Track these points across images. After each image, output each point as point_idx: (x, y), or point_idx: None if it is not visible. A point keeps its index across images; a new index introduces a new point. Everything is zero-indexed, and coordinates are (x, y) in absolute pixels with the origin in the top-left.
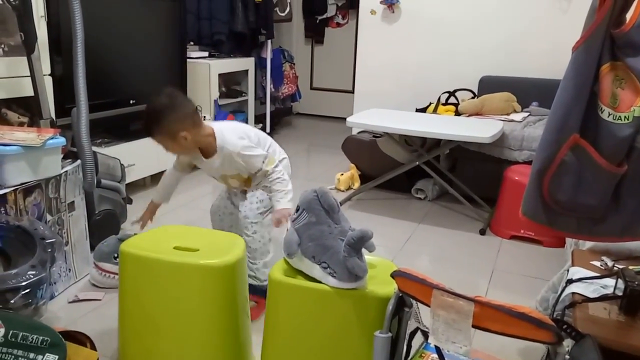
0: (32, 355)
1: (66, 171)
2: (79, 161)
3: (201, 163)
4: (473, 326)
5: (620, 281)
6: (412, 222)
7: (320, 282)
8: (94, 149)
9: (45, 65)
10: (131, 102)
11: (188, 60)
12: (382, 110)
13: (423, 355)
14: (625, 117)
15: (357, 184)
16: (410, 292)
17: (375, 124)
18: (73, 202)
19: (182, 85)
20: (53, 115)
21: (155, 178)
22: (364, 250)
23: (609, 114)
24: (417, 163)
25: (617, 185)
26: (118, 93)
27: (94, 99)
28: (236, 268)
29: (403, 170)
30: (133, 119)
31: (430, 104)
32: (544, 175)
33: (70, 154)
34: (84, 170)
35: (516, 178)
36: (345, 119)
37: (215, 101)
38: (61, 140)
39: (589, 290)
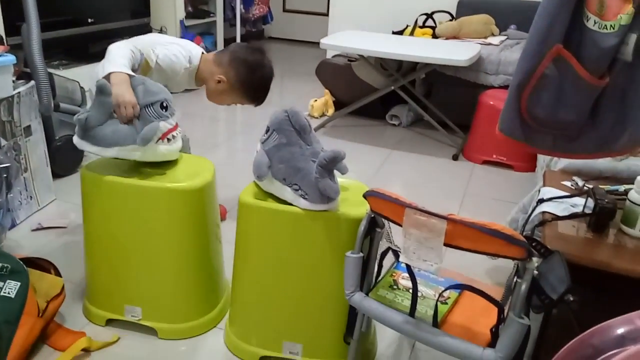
0: None
1: (19, 92)
2: (32, 82)
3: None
4: (445, 244)
5: (589, 200)
6: (385, 149)
7: (291, 204)
8: (51, 71)
9: None
10: (89, 20)
11: None
12: (358, 32)
13: (394, 274)
14: (611, 25)
15: (331, 111)
16: (382, 212)
17: (350, 46)
18: (29, 126)
19: (145, 4)
20: (2, 33)
21: None
22: (336, 173)
23: (595, 22)
24: (393, 88)
25: (595, 101)
26: (74, 10)
27: (48, 16)
28: (205, 192)
29: (378, 96)
30: (93, 40)
31: (407, 26)
32: (523, 89)
33: (23, 75)
34: (38, 92)
35: (491, 102)
36: (319, 43)
37: (181, 22)
38: (10, 58)
39: (559, 209)
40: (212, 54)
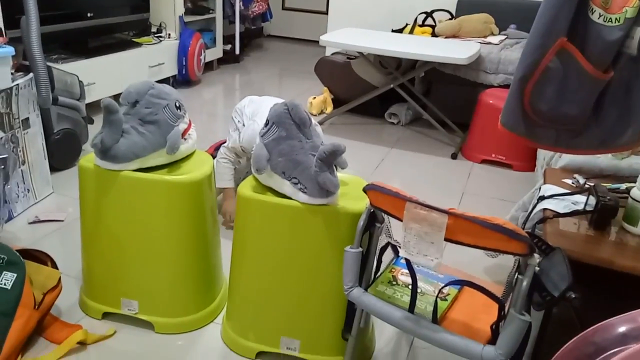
0: None
1: (17, 84)
2: (31, 74)
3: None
4: (445, 239)
5: (591, 197)
6: (384, 147)
7: (290, 198)
8: (49, 64)
9: None
10: (89, 15)
11: None
12: (358, 29)
13: (393, 270)
14: (616, 19)
15: (329, 108)
16: (382, 207)
17: (349, 43)
18: (27, 118)
19: None
20: (1, 26)
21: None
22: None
23: (600, 15)
24: (392, 86)
25: (599, 96)
26: (73, 5)
27: (47, 9)
28: (203, 185)
29: (377, 94)
30: (92, 34)
31: (407, 25)
32: (526, 82)
33: (22, 68)
34: (37, 85)
35: (490, 101)
36: (318, 42)
37: (181, 18)
38: (9, 50)
39: (560, 206)
40: None
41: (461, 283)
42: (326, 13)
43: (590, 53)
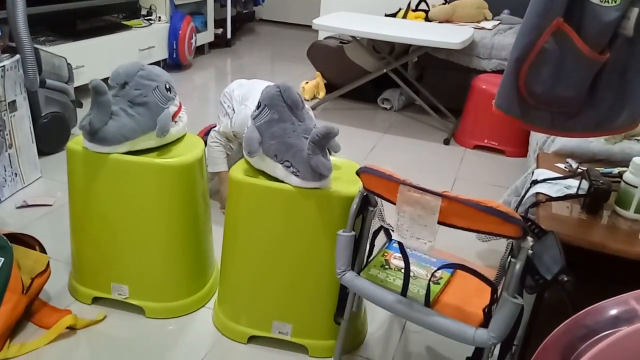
0: None
1: (4, 66)
2: (18, 56)
3: None
4: (439, 222)
5: (584, 181)
6: (377, 132)
7: (282, 181)
8: (37, 46)
9: None
10: None
11: None
12: (351, 13)
13: (386, 254)
14: None
15: (322, 93)
16: (375, 190)
17: (342, 27)
18: (14, 101)
19: None
20: None
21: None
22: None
23: None
24: (385, 71)
25: (594, 78)
26: None
27: None
28: (194, 168)
29: (370, 78)
30: (80, 16)
31: (400, 9)
32: (522, 64)
33: (8, 49)
34: (24, 66)
35: (483, 87)
36: (311, 26)
37: (171, 0)
38: None
39: (553, 190)
40: None
41: (454, 267)
42: None
43: (587, 34)
